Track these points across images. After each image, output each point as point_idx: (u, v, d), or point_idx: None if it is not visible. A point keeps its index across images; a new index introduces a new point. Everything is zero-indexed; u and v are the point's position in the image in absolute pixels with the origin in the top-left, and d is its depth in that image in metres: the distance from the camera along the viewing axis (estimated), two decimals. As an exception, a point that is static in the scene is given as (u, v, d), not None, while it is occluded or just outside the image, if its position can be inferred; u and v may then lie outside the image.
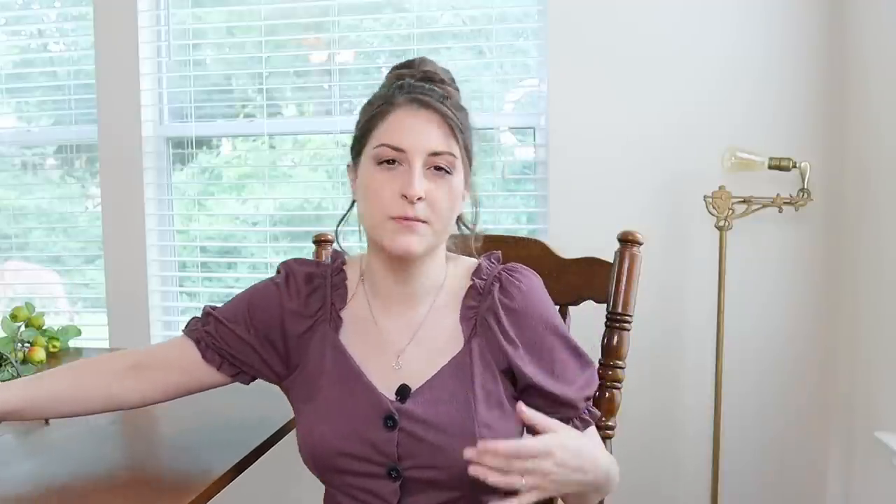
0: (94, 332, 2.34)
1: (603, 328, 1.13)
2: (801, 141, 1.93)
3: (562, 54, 2.02)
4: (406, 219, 0.89)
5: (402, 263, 0.94)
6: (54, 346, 1.65)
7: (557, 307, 1.19)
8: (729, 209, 1.86)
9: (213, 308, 1.03)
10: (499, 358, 0.94)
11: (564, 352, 0.96)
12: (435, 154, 0.90)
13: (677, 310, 2.02)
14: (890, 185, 1.66)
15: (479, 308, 0.96)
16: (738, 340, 1.97)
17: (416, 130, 0.90)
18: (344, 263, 1.02)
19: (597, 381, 0.99)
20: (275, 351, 1.00)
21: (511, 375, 0.95)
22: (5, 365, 1.46)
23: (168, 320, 2.34)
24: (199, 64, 2.32)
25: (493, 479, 0.78)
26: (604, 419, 1.09)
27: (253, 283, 1.05)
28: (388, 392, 0.93)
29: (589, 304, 1.18)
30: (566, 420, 0.93)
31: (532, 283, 0.98)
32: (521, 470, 0.79)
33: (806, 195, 1.84)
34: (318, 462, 0.94)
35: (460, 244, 1.04)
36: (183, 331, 1.04)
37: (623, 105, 2.00)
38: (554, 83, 2.03)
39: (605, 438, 1.08)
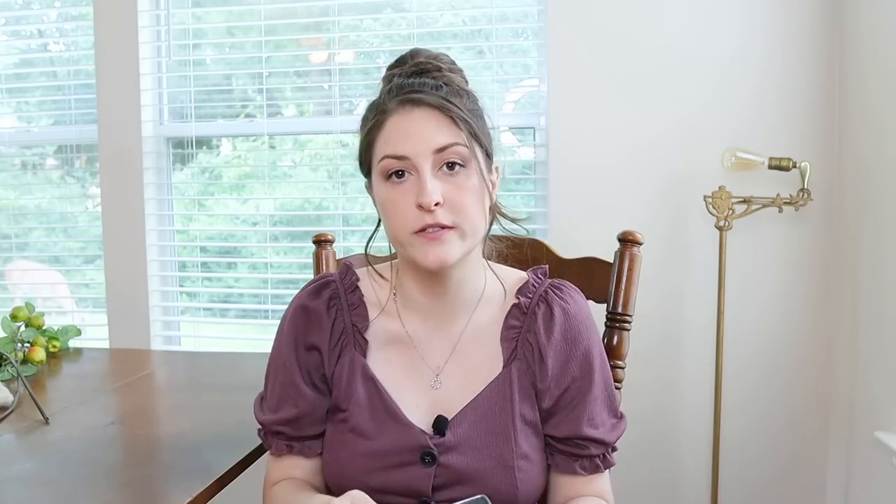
0: (94, 332, 2.34)
1: (603, 328, 1.13)
2: (801, 141, 1.93)
3: (562, 54, 2.02)
4: (429, 230, 0.83)
5: (436, 276, 0.89)
6: (54, 346, 1.65)
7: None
8: (729, 209, 1.86)
9: (271, 420, 0.94)
10: (535, 385, 0.91)
11: (600, 391, 0.92)
12: (441, 150, 0.83)
13: (677, 310, 2.02)
14: (889, 185, 1.66)
15: (521, 329, 0.92)
16: (738, 340, 1.97)
17: (413, 133, 0.84)
18: (358, 279, 0.96)
19: (623, 429, 0.94)
20: (326, 391, 0.95)
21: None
22: (5, 365, 1.47)
23: (168, 320, 2.35)
24: (199, 64, 2.32)
25: None
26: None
27: (271, 347, 0.97)
28: (424, 422, 0.89)
29: (589, 305, 1.18)
30: (586, 456, 0.91)
31: (578, 307, 0.94)
32: None
33: (806, 195, 1.84)
34: (344, 490, 0.85)
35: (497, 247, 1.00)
36: (272, 452, 0.96)
37: (623, 105, 2.00)
38: (554, 83, 2.03)
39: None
